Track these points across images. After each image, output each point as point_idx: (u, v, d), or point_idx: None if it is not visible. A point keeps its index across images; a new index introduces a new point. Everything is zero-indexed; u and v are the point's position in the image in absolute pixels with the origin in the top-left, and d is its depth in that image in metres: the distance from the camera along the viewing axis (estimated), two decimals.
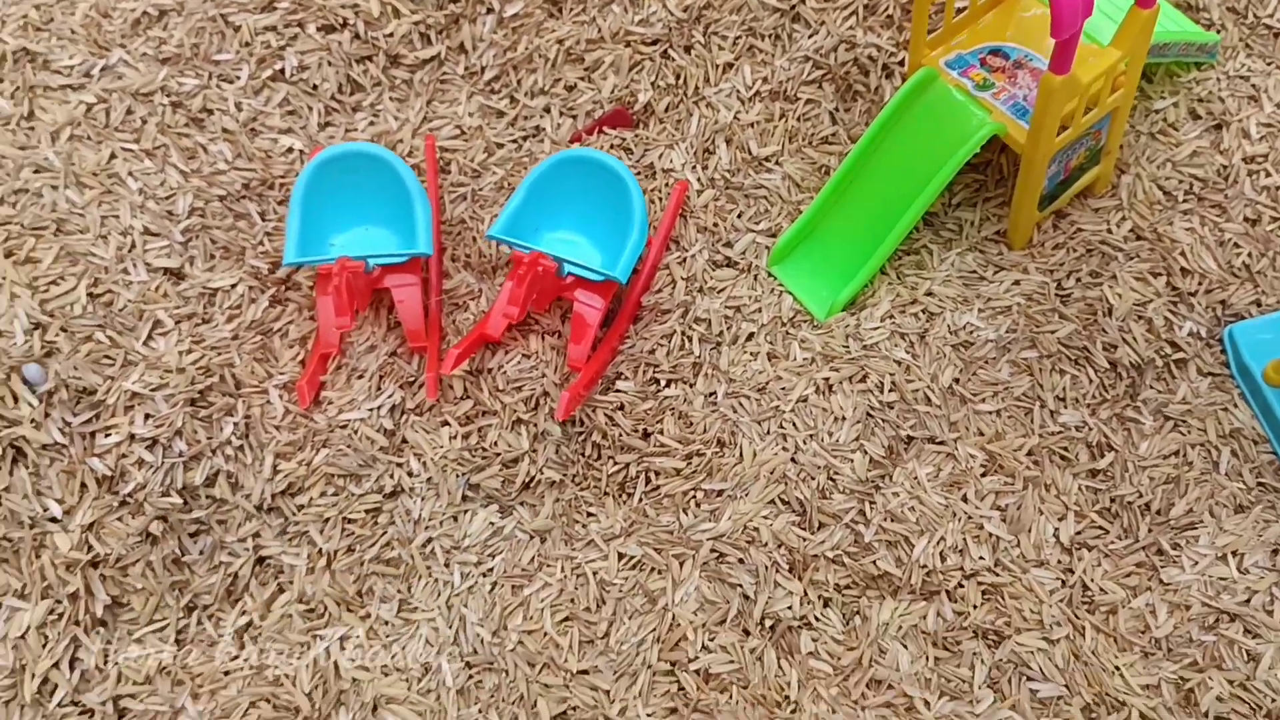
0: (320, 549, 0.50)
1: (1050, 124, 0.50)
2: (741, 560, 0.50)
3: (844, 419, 0.52)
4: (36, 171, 0.53)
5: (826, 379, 0.53)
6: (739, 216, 0.59)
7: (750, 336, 0.56)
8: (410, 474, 0.51)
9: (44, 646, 0.47)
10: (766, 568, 0.49)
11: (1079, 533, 0.51)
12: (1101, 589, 0.49)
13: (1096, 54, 0.51)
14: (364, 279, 0.50)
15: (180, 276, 0.53)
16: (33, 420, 0.47)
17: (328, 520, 0.51)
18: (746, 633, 0.49)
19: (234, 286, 0.53)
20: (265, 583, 0.51)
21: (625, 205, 0.51)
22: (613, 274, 0.51)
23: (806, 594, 0.50)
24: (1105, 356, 0.54)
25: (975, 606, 0.49)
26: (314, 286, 0.54)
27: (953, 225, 0.59)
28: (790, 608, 0.49)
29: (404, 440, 0.52)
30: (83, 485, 0.48)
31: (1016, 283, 0.56)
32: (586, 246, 0.54)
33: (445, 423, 0.53)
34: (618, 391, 0.53)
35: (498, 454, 0.52)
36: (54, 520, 0.47)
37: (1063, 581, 0.50)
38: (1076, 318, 0.55)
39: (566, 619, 0.50)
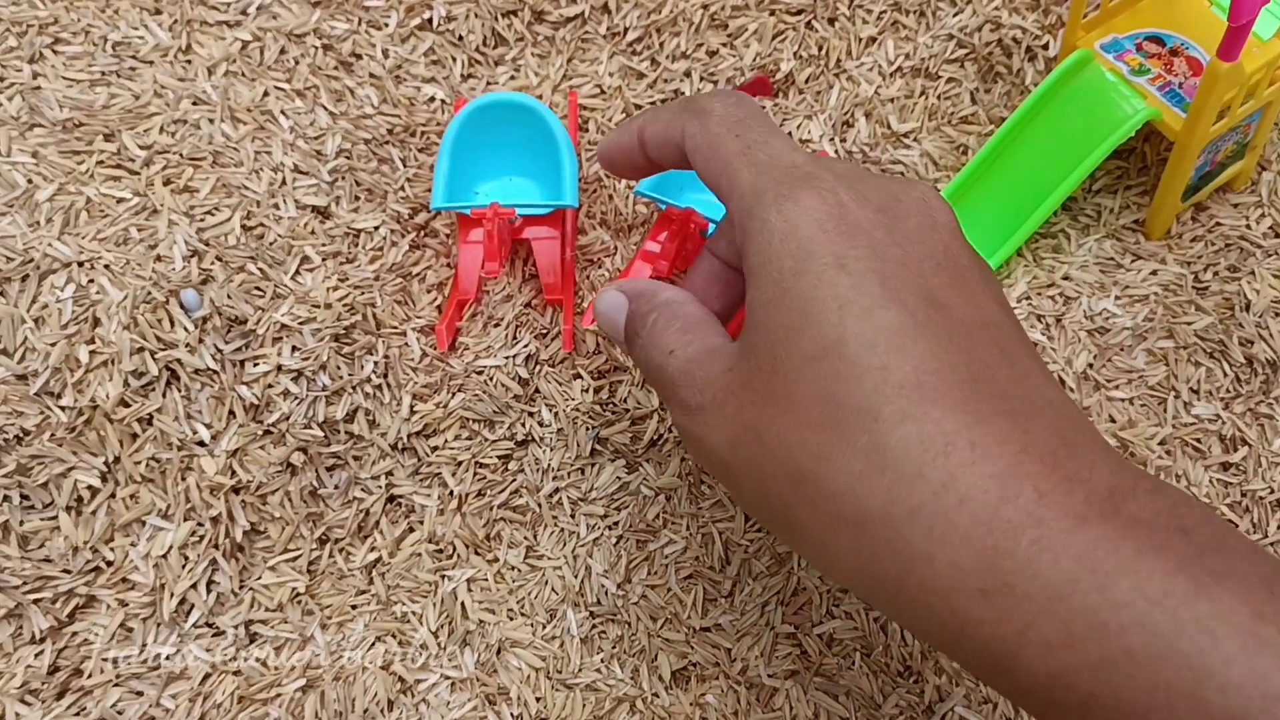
0: (452, 491, 0.51)
1: (1210, 110, 0.49)
2: None
3: None
4: (194, 104, 0.54)
5: None
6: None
7: None
8: (541, 424, 0.52)
9: (184, 567, 0.48)
10: None
11: None
12: None
13: (1258, 46, 0.51)
14: (508, 228, 0.50)
15: (326, 215, 0.53)
16: (188, 345, 0.48)
17: (460, 463, 0.52)
18: None
19: (376, 229, 0.54)
20: (396, 521, 0.51)
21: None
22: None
23: None
24: (1241, 351, 0.53)
25: None
26: (453, 235, 0.54)
27: (1091, 211, 0.59)
28: None
29: (537, 390, 0.52)
30: (230, 412, 0.49)
31: (1154, 272, 0.56)
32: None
33: (577, 375, 0.53)
34: None
35: (627, 410, 0.52)
36: (201, 444, 0.48)
37: None
38: (1213, 311, 0.55)
39: (691, 576, 0.51)
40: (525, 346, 0.54)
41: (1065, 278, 0.56)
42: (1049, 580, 0.26)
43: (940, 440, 0.29)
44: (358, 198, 0.56)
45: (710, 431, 0.34)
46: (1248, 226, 0.57)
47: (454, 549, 0.51)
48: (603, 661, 0.49)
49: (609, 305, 0.40)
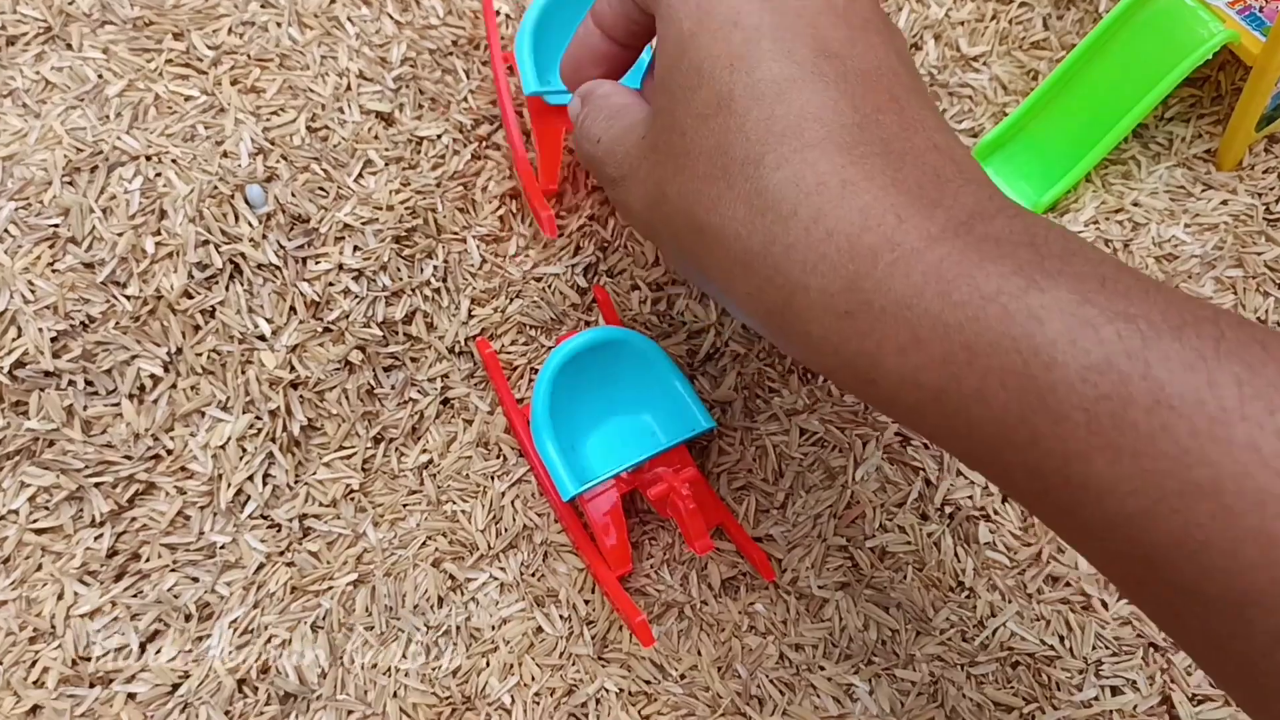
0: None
1: None
2: (926, 445, 0.50)
3: None
4: (263, 6, 0.54)
5: None
6: (941, 114, 0.58)
7: None
8: None
9: (241, 459, 0.49)
10: (950, 455, 0.48)
11: None
12: None
13: None
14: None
15: (390, 121, 0.53)
16: (252, 239, 0.48)
17: (515, 369, 0.52)
18: (925, 517, 0.49)
19: (439, 137, 0.54)
20: (448, 423, 0.52)
21: (650, 368, 0.49)
22: (701, 428, 0.48)
23: (987, 487, 0.50)
24: None
25: None
26: (529, 133, 0.54)
27: (1163, 139, 0.57)
28: (970, 497, 0.49)
29: (594, 300, 0.52)
30: (291, 308, 0.49)
31: (1224, 202, 0.55)
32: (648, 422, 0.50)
33: (635, 287, 0.53)
34: None
35: (684, 323, 0.52)
36: (262, 339, 0.49)
37: None
38: None
39: (744, 487, 0.51)
40: (587, 256, 0.54)
41: (1135, 204, 0.55)
42: (900, 293, 0.28)
43: (813, 180, 0.30)
44: (421, 106, 0.56)
45: (631, 197, 0.37)
46: None
47: (500, 452, 0.51)
48: (652, 568, 0.49)
49: (572, 106, 0.42)
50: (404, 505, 0.50)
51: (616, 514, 0.47)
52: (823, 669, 0.47)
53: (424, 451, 0.51)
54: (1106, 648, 0.46)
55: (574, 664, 0.48)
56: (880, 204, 0.29)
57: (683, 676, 0.47)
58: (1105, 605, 0.47)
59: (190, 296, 0.48)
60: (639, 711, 0.47)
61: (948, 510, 0.49)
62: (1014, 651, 0.46)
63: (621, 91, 0.40)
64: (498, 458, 0.51)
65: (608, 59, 0.42)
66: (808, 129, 0.31)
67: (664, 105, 0.34)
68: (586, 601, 0.49)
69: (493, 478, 0.51)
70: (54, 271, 0.47)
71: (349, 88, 0.54)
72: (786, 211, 0.30)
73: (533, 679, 0.47)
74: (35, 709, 0.45)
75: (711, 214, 0.32)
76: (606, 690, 0.47)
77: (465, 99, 0.57)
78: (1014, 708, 0.45)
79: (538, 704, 0.47)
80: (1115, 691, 0.46)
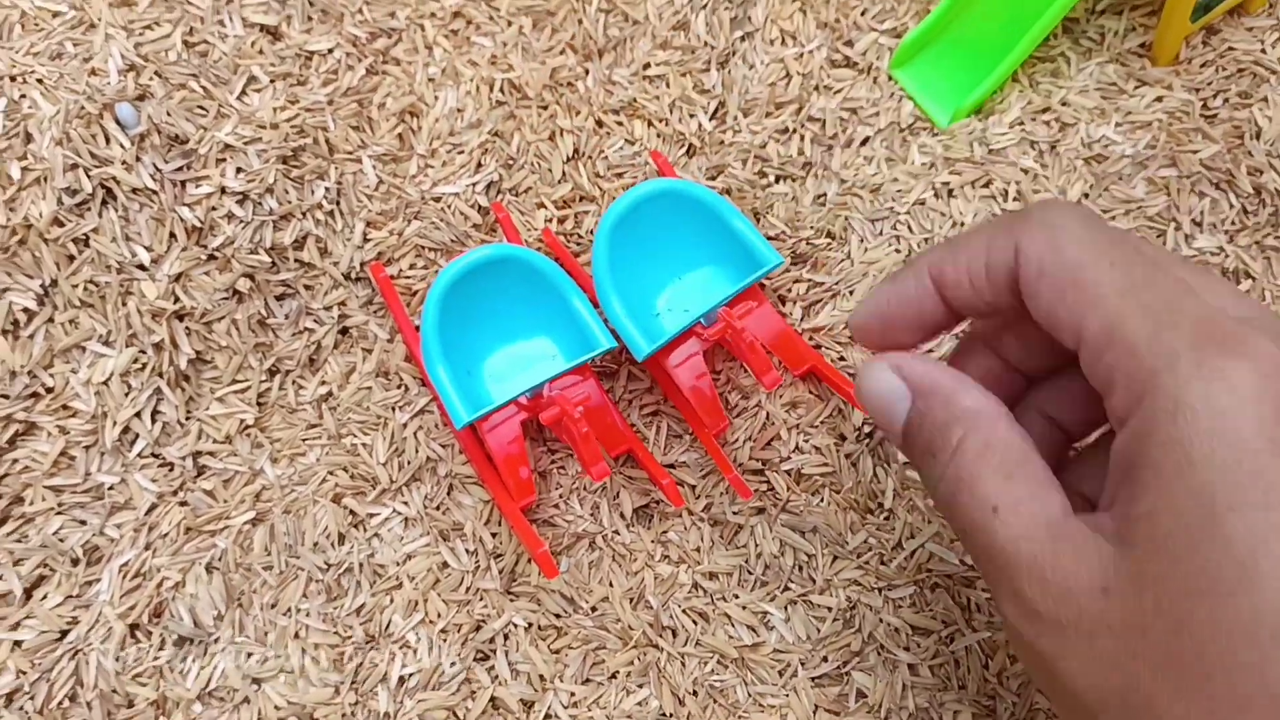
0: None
1: None
2: (842, 358, 0.48)
3: (962, 224, 0.49)
4: None
5: (946, 183, 0.50)
6: (862, 14, 0.55)
7: (865, 140, 0.53)
8: None
9: (126, 395, 0.46)
10: None
11: None
12: None
13: None
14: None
15: (276, 35, 0.50)
16: (124, 162, 0.45)
17: (415, 293, 0.50)
18: (843, 438, 0.47)
19: (330, 51, 0.51)
20: (347, 353, 0.49)
21: (541, 281, 0.45)
22: (600, 348, 0.44)
23: None
24: (1250, 181, 0.50)
25: None
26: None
27: (1094, 34, 0.55)
28: None
29: (497, 220, 0.50)
30: (171, 235, 0.46)
31: (1159, 99, 0.52)
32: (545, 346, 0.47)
33: (541, 205, 0.51)
34: (727, 177, 0.50)
35: (593, 240, 0.50)
36: (141, 268, 0.46)
37: None
38: (1221, 139, 0.51)
39: (654, 413, 0.49)
40: (489, 173, 0.51)
41: (1063, 103, 0.52)
42: None
43: None
44: (310, 18, 0.53)
45: (1074, 664, 0.26)
46: (1262, 51, 0.53)
47: (402, 381, 0.49)
48: (561, 498, 0.47)
49: (884, 389, 0.31)
50: (302, 440, 0.48)
51: (518, 443, 0.45)
52: (737, 597, 0.45)
53: (322, 383, 0.49)
54: None
55: (481, 599, 0.46)
56: None
57: (594, 609, 0.46)
58: None
59: (61, 224, 0.46)
60: (549, 646, 0.45)
61: (865, 430, 0.47)
62: (932, 574, 0.45)
63: (1006, 418, 0.29)
64: (399, 388, 0.49)
65: (935, 330, 0.32)
66: None
67: (1164, 578, 0.24)
68: (494, 535, 0.47)
69: (394, 409, 0.49)
70: None
71: (230, 0, 0.51)
72: None
73: (439, 615, 0.45)
74: None
75: None
76: (515, 625, 0.45)
77: (360, 10, 0.54)
78: (932, 631, 0.44)
79: (444, 640, 0.45)
80: None
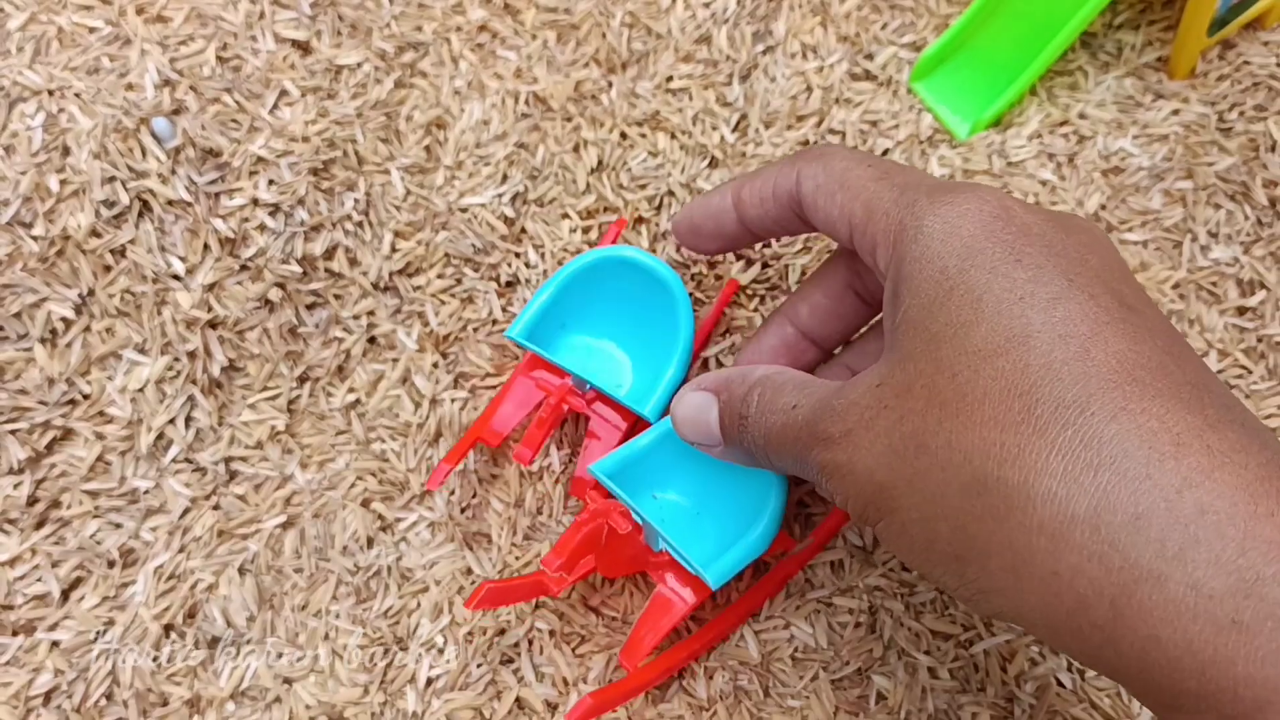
0: (432, 330, 0.50)
1: None
2: None
3: None
4: None
5: None
6: (882, 28, 0.56)
7: (885, 152, 0.53)
8: (528, 265, 0.50)
9: (161, 402, 0.47)
10: None
11: (1220, 371, 0.48)
12: None
13: None
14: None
15: (307, 50, 0.51)
16: (160, 175, 0.46)
17: (444, 303, 0.50)
18: None
19: (360, 65, 0.52)
20: (375, 361, 0.50)
21: (671, 317, 0.45)
22: (641, 411, 0.44)
23: None
24: (1265, 194, 0.51)
25: None
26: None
27: (1112, 48, 0.55)
28: None
29: (523, 230, 0.51)
30: (205, 245, 0.47)
31: (1176, 112, 0.53)
32: (622, 364, 0.46)
33: (566, 215, 0.51)
34: None
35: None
36: (176, 278, 0.47)
37: None
38: (1237, 152, 0.52)
39: None
40: (515, 184, 0.52)
41: (1081, 116, 0.53)
42: None
43: (1167, 438, 0.24)
44: (340, 33, 0.54)
45: (861, 454, 0.29)
46: (1278, 65, 0.53)
47: (434, 389, 0.50)
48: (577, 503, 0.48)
49: (693, 407, 0.37)
50: (332, 446, 0.49)
51: (524, 409, 0.46)
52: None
53: (351, 390, 0.50)
54: None
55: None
56: (1266, 487, 0.23)
57: (615, 618, 0.46)
58: None
59: (98, 236, 0.47)
60: (572, 650, 0.46)
61: None
62: None
63: (793, 370, 0.35)
64: (429, 398, 0.50)
65: (732, 240, 0.41)
66: (1139, 376, 0.25)
67: (919, 348, 0.29)
68: (514, 544, 0.48)
69: (422, 416, 0.49)
70: None
71: (262, 15, 0.52)
72: (1134, 472, 0.24)
73: (465, 619, 0.46)
74: None
75: (1006, 467, 0.26)
76: (539, 629, 0.46)
77: (388, 25, 0.55)
78: (951, 635, 0.44)
79: (470, 643, 0.46)
80: None
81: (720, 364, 0.48)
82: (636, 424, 0.46)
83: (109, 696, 0.44)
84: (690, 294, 0.50)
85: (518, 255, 0.51)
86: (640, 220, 0.51)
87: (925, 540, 0.28)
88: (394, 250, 0.51)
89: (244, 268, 0.49)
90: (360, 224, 0.51)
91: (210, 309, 0.48)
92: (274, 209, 0.49)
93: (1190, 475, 0.24)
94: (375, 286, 0.51)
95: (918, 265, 0.30)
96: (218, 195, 0.48)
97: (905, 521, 0.29)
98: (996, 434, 0.26)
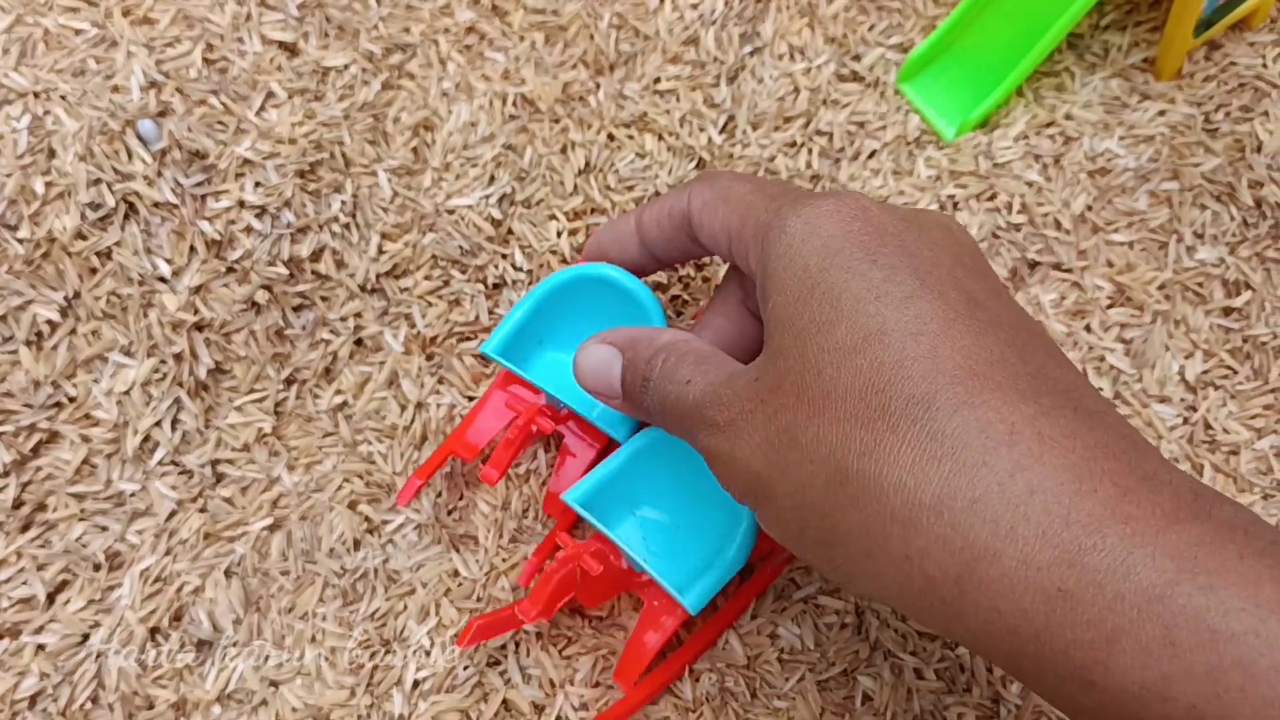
0: (419, 332, 0.50)
1: None
2: None
3: None
4: None
5: (951, 195, 0.51)
6: (870, 29, 0.56)
7: (872, 154, 0.53)
8: (515, 266, 0.50)
9: (147, 404, 0.47)
10: None
11: (1205, 371, 0.48)
12: (1225, 429, 0.47)
13: None
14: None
15: (294, 51, 0.51)
16: (146, 177, 0.46)
17: (430, 305, 0.50)
18: None
19: (346, 67, 0.52)
20: (362, 363, 0.50)
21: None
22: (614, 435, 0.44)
23: None
24: (1251, 194, 0.51)
25: None
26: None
27: (1098, 49, 0.55)
28: None
29: (510, 232, 0.51)
30: (192, 248, 0.47)
31: (1162, 112, 0.53)
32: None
33: (553, 217, 0.51)
34: None
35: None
36: (162, 280, 0.47)
37: (1184, 419, 0.48)
38: (1223, 153, 0.52)
39: None
40: (501, 185, 0.52)
41: (1067, 117, 0.53)
42: (1146, 580, 0.24)
43: (1003, 428, 0.26)
44: (327, 34, 0.54)
45: (741, 444, 0.31)
46: (1264, 66, 0.53)
47: (420, 393, 0.50)
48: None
49: (596, 359, 0.38)
50: (319, 448, 0.49)
51: (498, 423, 0.46)
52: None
53: (338, 393, 0.50)
54: None
55: (491, 607, 0.47)
56: (1091, 467, 0.25)
57: (602, 619, 0.46)
58: None
59: (84, 238, 0.47)
60: (559, 651, 0.46)
61: None
62: None
63: (697, 340, 0.36)
64: (416, 401, 0.50)
65: (636, 265, 0.42)
66: (980, 371, 0.27)
67: (789, 344, 0.30)
68: (502, 546, 0.48)
69: (408, 418, 0.49)
70: None
71: (249, 16, 0.52)
72: (972, 460, 0.26)
73: (452, 621, 0.46)
74: None
75: (863, 460, 0.28)
76: (526, 631, 0.46)
77: (376, 26, 0.55)
78: (936, 636, 0.44)
79: (457, 645, 0.46)
80: None
81: None
82: (610, 444, 0.46)
83: (94, 700, 0.44)
84: (677, 296, 0.50)
85: (505, 257, 0.51)
86: None
87: (797, 526, 0.31)
88: (381, 252, 0.51)
89: (230, 270, 0.48)
90: (347, 226, 0.51)
91: (197, 311, 0.48)
92: (260, 211, 0.49)
93: (1021, 460, 0.26)
94: (362, 288, 0.51)
95: (781, 263, 0.31)
96: (204, 197, 0.48)
97: (779, 509, 0.31)
98: (856, 429, 0.28)
